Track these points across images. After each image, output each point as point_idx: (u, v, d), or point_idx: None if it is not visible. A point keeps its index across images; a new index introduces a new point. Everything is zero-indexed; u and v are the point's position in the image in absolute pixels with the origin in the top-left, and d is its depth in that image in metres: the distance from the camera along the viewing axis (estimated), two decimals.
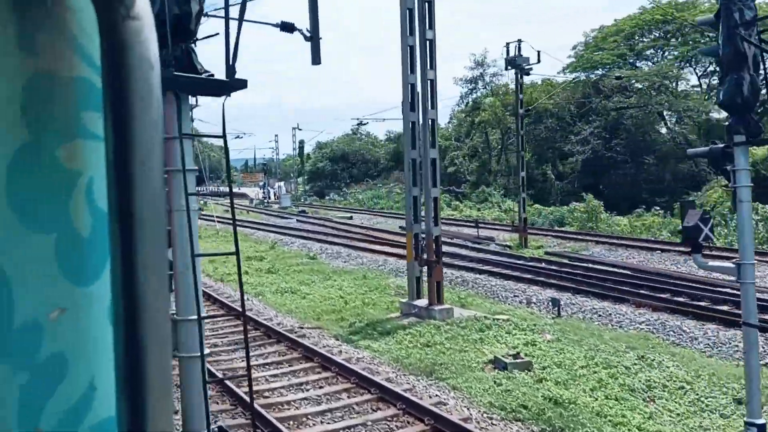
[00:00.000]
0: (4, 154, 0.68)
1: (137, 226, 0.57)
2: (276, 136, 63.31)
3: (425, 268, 13.24)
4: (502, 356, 9.86)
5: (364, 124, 41.30)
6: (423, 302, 13.04)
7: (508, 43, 23.80)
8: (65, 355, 0.71)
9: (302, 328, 12.04)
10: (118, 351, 0.58)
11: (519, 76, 24.37)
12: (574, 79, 43.83)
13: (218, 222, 33.84)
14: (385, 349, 10.82)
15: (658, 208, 31.99)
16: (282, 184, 77.64)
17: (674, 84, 43.83)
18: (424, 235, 13.26)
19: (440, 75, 13.26)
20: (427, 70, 13.02)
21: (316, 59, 7.90)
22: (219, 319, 13.08)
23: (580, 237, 26.64)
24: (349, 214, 44.78)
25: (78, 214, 0.72)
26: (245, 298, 5.24)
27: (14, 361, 0.68)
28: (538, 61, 23.70)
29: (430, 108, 13.00)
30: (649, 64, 44.78)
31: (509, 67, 24.71)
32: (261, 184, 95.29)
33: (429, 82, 13.06)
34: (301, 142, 74.56)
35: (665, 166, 39.25)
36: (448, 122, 64.73)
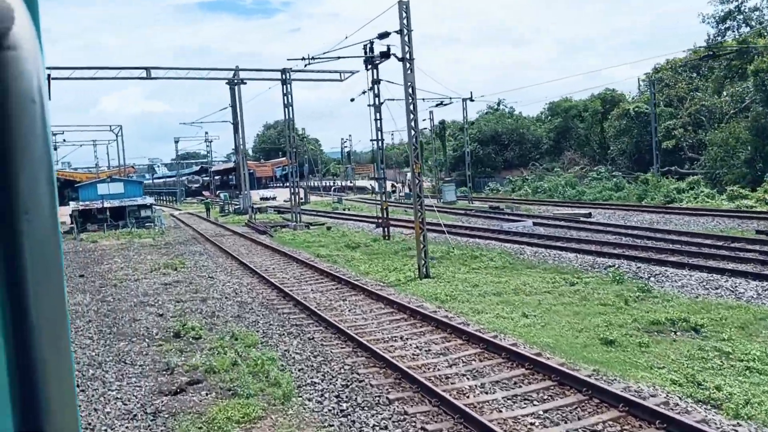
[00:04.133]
0: None
1: (26, 284, 0.54)
2: (431, 113, 51.03)
3: None
4: None
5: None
6: None
7: None
8: None
9: None
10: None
11: None
12: None
13: (447, 232, 21.44)
14: None
15: None
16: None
17: None
18: None
19: None
20: None
21: None
22: None
23: None
24: (582, 210, 31.49)
25: None
26: None
27: None
28: None
29: None
30: None
31: None
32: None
33: None
34: (441, 122, 61.89)
35: None
36: (644, 79, 50.46)
